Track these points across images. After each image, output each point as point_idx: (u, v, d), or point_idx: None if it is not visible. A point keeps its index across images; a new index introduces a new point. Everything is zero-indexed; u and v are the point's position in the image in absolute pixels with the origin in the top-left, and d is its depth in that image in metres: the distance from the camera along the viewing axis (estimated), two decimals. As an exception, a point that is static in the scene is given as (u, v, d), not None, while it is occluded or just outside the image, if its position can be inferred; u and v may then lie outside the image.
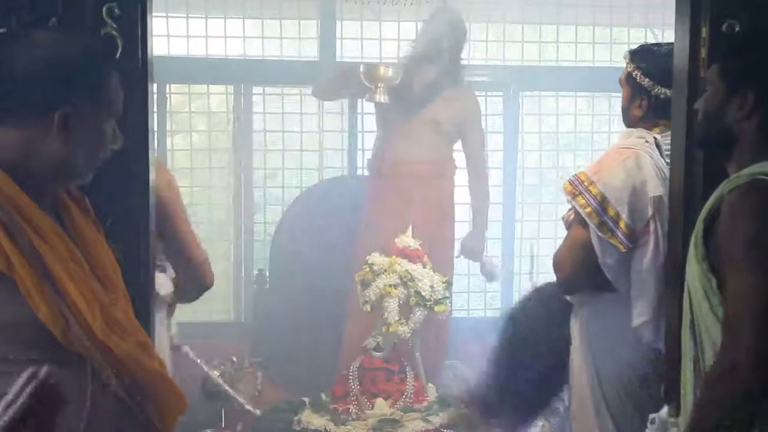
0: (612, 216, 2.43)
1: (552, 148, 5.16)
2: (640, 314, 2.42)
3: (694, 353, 1.82)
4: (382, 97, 4.11)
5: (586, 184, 2.47)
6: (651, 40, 4.94)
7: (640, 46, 2.71)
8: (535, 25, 5.04)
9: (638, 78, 2.57)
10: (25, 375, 1.30)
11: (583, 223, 2.47)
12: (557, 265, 2.57)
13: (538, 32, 5.06)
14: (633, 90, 2.61)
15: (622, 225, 2.42)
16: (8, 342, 1.49)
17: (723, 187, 1.79)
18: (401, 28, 4.86)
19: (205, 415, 3.89)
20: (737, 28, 2.02)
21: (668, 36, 3.41)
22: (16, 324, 1.50)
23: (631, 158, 2.47)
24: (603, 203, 2.43)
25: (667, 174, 2.44)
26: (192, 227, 2.34)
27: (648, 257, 2.42)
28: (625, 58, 2.66)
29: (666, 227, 2.40)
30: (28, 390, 1.29)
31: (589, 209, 2.44)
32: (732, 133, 1.84)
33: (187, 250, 2.28)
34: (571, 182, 2.51)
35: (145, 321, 1.88)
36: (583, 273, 2.52)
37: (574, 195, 2.48)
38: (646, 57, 2.61)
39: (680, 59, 2.15)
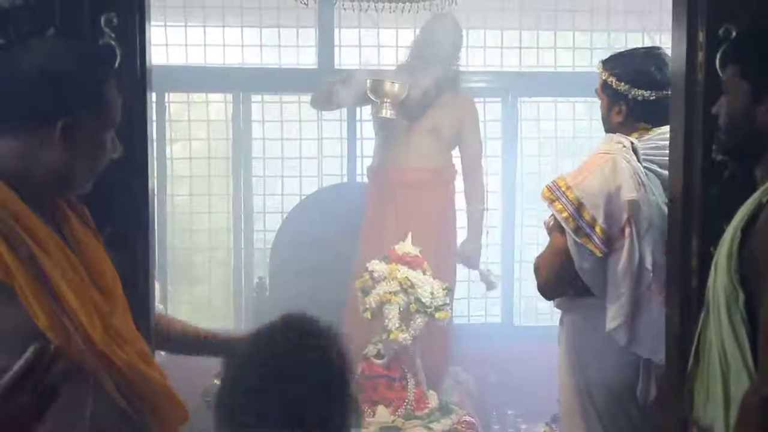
0: (588, 221, 2.45)
1: (551, 153, 5.16)
2: (615, 317, 2.45)
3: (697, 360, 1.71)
4: (388, 113, 4.11)
5: (563, 189, 2.50)
6: (648, 44, 4.95)
7: (611, 54, 2.74)
8: (532, 31, 5.05)
9: (614, 84, 2.60)
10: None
11: (561, 229, 2.49)
12: (536, 270, 2.60)
13: (536, 38, 5.06)
14: (610, 98, 2.64)
15: (597, 229, 2.45)
16: (8, 352, 1.48)
17: (761, 195, 1.63)
18: (399, 35, 4.86)
19: (207, 424, 3.88)
20: (734, 32, 2.02)
21: (665, 40, 3.42)
22: (16, 334, 1.49)
23: (608, 163, 2.50)
24: (579, 208, 2.46)
25: (644, 179, 2.48)
26: None
27: (623, 261, 2.44)
28: (598, 68, 2.69)
29: (642, 231, 2.42)
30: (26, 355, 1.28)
31: (565, 214, 2.47)
32: (763, 137, 1.66)
33: None
34: (549, 188, 2.53)
35: (145, 330, 1.87)
36: (562, 278, 2.54)
37: (551, 200, 2.51)
38: (620, 62, 2.64)
39: (677, 64, 2.16)
